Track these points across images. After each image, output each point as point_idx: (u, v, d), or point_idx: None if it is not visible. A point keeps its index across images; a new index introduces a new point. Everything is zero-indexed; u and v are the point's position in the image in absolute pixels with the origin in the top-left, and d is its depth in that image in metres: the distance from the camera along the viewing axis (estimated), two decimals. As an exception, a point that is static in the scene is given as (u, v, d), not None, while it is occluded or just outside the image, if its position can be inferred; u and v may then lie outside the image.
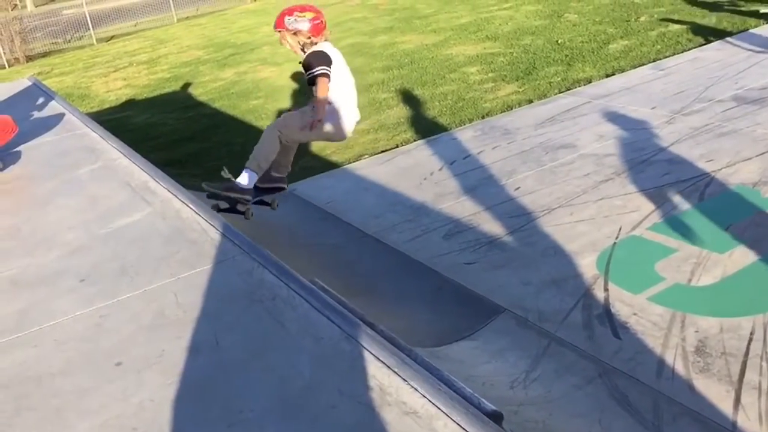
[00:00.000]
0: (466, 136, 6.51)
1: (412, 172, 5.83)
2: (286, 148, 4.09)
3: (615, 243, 4.11)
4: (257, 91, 10.29)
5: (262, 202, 4.28)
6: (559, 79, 8.04)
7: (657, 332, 3.27)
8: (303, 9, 3.91)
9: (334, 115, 3.91)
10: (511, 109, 7.21)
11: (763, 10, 8.96)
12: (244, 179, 3.99)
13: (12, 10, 20.88)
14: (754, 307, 3.33)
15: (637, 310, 3.47)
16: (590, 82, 7.62)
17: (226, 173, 4.02)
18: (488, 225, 4.65)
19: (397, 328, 2.82)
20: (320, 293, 2.63)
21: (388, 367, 2.15)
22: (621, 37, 9.36)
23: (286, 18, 3.90)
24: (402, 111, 8.05)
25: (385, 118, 7.84)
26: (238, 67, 12.26)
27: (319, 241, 4.96)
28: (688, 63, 7.48)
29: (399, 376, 2.11)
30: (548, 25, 10.97)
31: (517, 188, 5.10)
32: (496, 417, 2.07)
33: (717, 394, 2.86)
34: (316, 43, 3.91)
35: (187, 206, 3.55)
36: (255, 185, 4.10)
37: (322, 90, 3.77)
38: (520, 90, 7.93)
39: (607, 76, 7.73)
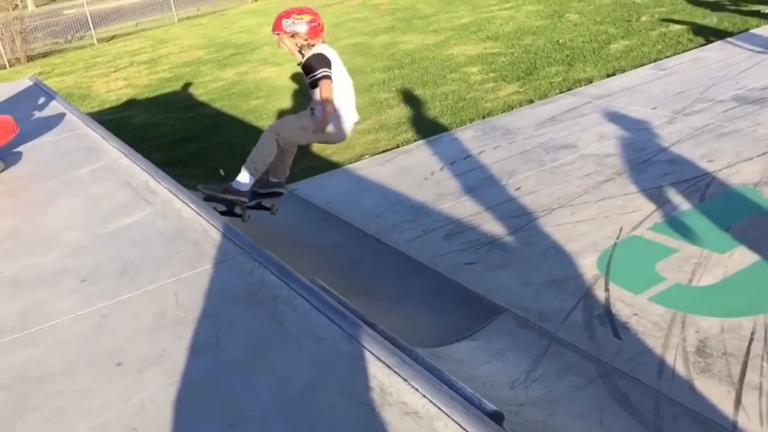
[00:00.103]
0: (467, 136, 6.51)
1: (413, 172, 5.83)
2: (283, 152, 4.10)
3: (616, 243, 4.11)
4: (258, 91, 10.29)
5: (261, 207, 4.28)
6: (560, 79, 8.04)
7: (658, 332, 3.27)
8: (300, 11, 3.90)
9: (334, 117, 3.92)
10: (512, 109, 7.21)
11: (765, 10, 8.96)
12: (241, 181, 4.00)
13: (13, 10, 20.88)
14: (755, 308, 3.33)
15: (637, 310, 3.47)
16: (591, 82, 7.62)
17: (223, 174, 4.03)
18: (489, 225, 4.65)
19: (397, 328, 2.82)
20: (321, 293, 2.63)
21: (389, 367, 2.15)
22: (622, 37, 9.36)
23: (284, 21, 3.89)
24: (403, 111, 8.06)
25: (385, 118, 7.84)
26: (238, 67, 12.27)
27: (320, 242, 4.96)
28: (689, 63, 7.48)
29: (400, 376, 2.11)
30: (549, 25, 10.97)
31: (518, 188, 5.10)
32: (496, 417, 2.07)
33: (718, 394, 2.86)
34: (313, 46, 3.90)
35: (188, 206, 3.55)
36: (254, 191, 4.10)
37: (327, 91, 3.77)
38: (521, 90, 7.93)
39: (608, 76, 7.73)
